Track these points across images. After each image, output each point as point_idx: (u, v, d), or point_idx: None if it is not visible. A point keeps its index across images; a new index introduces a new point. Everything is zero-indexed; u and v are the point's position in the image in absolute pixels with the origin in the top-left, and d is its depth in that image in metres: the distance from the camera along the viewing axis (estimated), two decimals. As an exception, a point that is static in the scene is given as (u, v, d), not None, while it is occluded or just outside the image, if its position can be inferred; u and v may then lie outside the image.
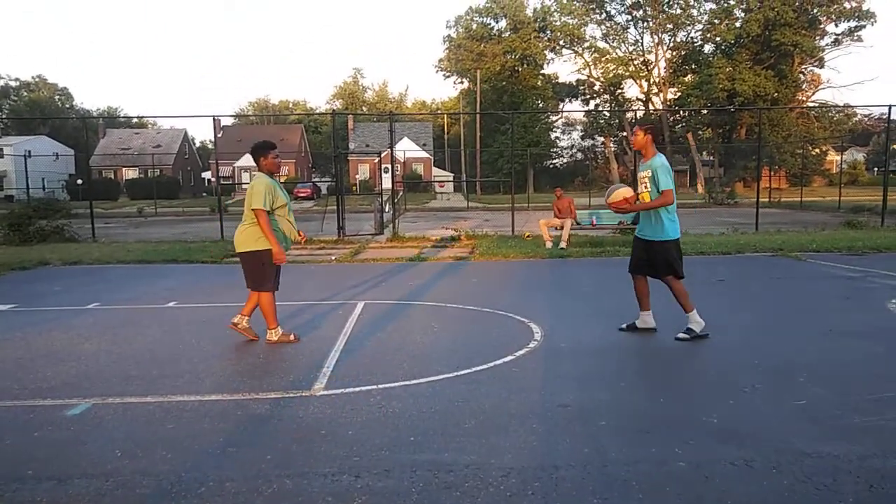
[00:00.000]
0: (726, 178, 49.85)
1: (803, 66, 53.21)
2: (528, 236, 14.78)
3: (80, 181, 46.64)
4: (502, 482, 3.01)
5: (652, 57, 56.52)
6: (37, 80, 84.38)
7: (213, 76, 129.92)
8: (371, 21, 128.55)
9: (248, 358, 5.31)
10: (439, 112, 75.01)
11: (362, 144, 57.15)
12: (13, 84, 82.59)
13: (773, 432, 3.58)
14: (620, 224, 13.80)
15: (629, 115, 55.17)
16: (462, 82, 64.80)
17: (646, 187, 5.65)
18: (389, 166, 17.39)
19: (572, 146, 71.29)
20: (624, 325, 6.01)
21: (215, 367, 5.06)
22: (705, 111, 52.57)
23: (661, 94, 56.84)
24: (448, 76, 64.78)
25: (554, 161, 69.00)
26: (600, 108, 60.59)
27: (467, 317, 6.83)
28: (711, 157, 59.35)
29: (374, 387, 4.44)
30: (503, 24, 59.47)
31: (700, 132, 58.05)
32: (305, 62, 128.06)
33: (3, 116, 75.10)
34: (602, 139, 62.84)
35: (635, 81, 57.87)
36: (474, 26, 59.62)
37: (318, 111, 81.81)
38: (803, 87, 55.01)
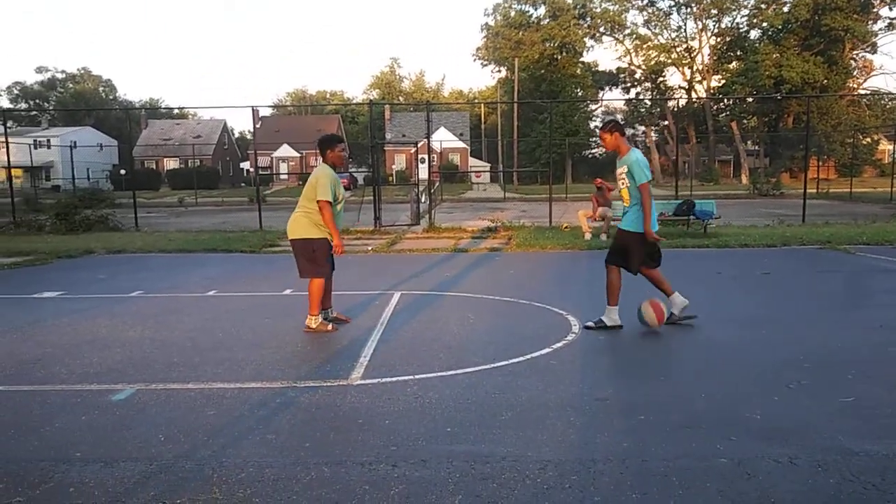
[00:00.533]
0: (772, 168, 48.60)
1: (854, 52, 51.41)
2: (566, 227, 14.64)
3: (123, 171, 47.88)
4: (539, 475, 2.99)
5: (695, 44, 55.33)
6: (82, 72, 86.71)
7: (252, 66, 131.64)
8: (409, 9, 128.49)
9: (286, 347, 5.38)
10: (476, 101, 74.74)
11: (399, 135, 57.31)
12: (60, 76, 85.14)
13: (819, 430, 3.47)
14: (661, 215, 13.57)
15: (671, 103, 54.18)
16: (500, 71, 64.39)
17: (623, 183, 5.70)
18: (426, 156, 17.39)
19: (612, 136, 70.31)
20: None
21: (254, 355, 5.14)
22: (750, 99, 51.25)
23: (705, 82, 55.60)
24: (486, 65, 64.42)
25: (593, 151, 68.21)
26: (641, 97, 59.57)
27: (504, 308, 6.80)
28: (756, 147, 57.92)
29: (411, 377, 4.45)
30: (542, 11, 58.79)
31: (745, 121, 56.63)
32: (342, 52, 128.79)
33: (51, 108, 77.38)
34: (643, 128, 61.81)
35: (678, 69, 56.70)
36: (513, 14, 59.05)
37: (355, 101, 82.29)
38: (854, 73, 53.12)
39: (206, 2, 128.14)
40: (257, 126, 19.26)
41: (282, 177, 52.52)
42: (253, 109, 17.48)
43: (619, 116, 66.14)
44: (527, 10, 59.32)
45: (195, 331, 5.96)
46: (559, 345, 5.23)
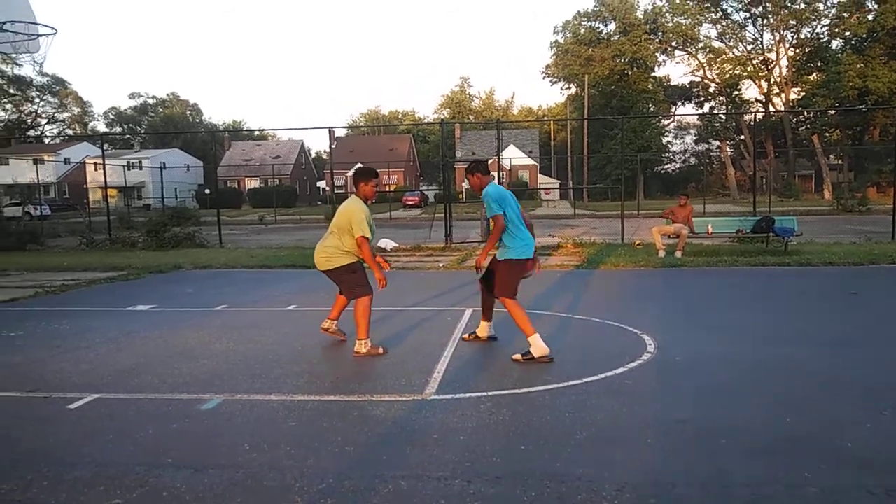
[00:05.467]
0: (857, 182, 46.19)
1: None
2: (638, 244, 14.36)
3: (207, 190, 50.09)
4: (616, 497, 2.96)
5: (772, 55, 53.39)
6: (171, 97, 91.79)
7: (329, 88, 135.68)
8: (479, 28, 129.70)
9: (362, 361, 5.50)
10: (546, 119, 74.42)
11: (469, 152, 57.69)
12: (151, 101, 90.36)
13: (917, 460, 3.29)
14: (739, 232, 13.14)
15: (748, 117, 52.36)
16: (569, 88, 64.01)
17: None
18: (496, 173, 17.46)
19: (685, 151, 68.67)
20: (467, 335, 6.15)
21: (332, 368, 5.29)
22: (833, 111, 48.93)
23: (783, 95, 53.50)
24: (555, 82, 64.20)
25: (665, 166, 66.70)
26: (716, 111, 57.87)
27: (576, 326, 6.74)
28: (839, 161, 55.20)
29: (484, 394, 4.48)
30: (612, 27, 58.27)
31: (827, 134, 54.13)
32: (414, 73, 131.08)
33: (142, 131, 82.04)
34: (718, 143, 59.97)
35: (754, 82, 54.82)
36: (582, 31, 58.78)
37: (426, 121, 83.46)
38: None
39: (286, 30, 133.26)
40: (333, 146, 19.86)
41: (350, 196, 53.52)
42: (329, 130, 18.08)
43: (691, 131, 64.53)
44: (597, 26, 58.93)
45: (276, 344, 6.19)
46: (634, 364, 5.14)
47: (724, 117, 56.05)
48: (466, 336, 6.13)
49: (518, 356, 5.32)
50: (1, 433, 4.00)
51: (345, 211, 5.63)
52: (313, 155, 77.99)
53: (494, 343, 6.00)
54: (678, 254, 12.20)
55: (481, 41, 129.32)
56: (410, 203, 46.87)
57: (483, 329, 6.05)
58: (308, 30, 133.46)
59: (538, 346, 5.28)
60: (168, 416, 4.21)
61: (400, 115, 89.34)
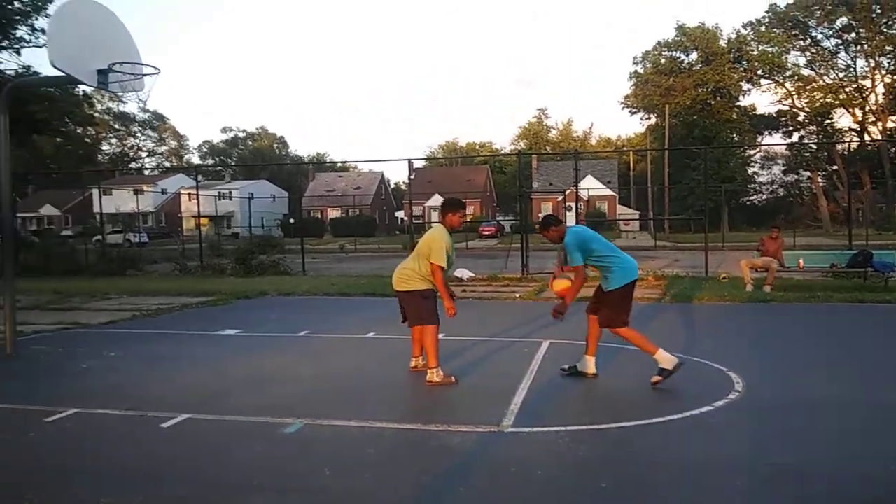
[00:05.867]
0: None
1: None
2: (724, 278, 13.84)
3: (292, 220, 51.94)
4: (703, 541, 2.84)
5: (867, 83, 50.92)
6: (260, 130, 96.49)
7: (408, 120, 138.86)
8: (555, 60, 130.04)
9: (439, 389, 5.53)
10: (625, 149, 73.34)
11: (546, 183, 57.48)
12: (241, 135, 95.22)
13: None
14: (833, 266, 12.46)
15: (841, 147, 49.97)
16: (649, 118, 63.02)
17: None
18: (573, 204, 17.31)
19: (772, 181, 65.95)
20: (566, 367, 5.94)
21: (409, 396, 5.34)
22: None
23: (880, 123, 50.76)
24: (634, 112, 63.37)
25: (752, 198, 64.19)
26: (806, 141, 55.51)
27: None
28: (946, 193, 51.56)
29: (563, 428, 4.41)
30: (694, 56, 57.14)
31: (930, 164, 50.84)
32: (492, 105, 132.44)
33: (233, 163, 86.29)
34: (808, 174, 57.34)
35: (847, 110, 52.38)
36: (663, 61, 57.90)
37: (503, 152, 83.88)
38: None
39: (368, 65, 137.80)
40: (412, 177, 20.22)
41: (433, 224, 54.31)
42: (409, 162, 18.41)
43: (779, 162, 61.90)
44: (678, 55, 57.91)
45: (356, 370, 6.31)
46: (721, 403, 4.94)
47: (815, 147, 53.67)
48: (565, 368, 5.92)
49: (656, 378, 5.30)
50: (103, 449, 4.25)
51: (428, 238, 5.76)
52: (392, 186, 79.66)
53: (573, 377, 5.90)
54: (767, 288, 11.67)
55: (560, 71, 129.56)
56: (487, 233, 46.95)
57: (586, 364, 5.81)
58: (388, 65, 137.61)
59: (666, 359, 5.31)
60: (253, 438, 4.35)
61: (477, 147, 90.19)
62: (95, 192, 37.34)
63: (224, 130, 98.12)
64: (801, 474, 3.58)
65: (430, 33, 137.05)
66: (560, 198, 47.22)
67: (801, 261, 12.59)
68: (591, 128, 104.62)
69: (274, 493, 3.46)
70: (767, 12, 53.25)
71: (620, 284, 5.48)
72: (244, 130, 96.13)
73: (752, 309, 10.23)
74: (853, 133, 52.72)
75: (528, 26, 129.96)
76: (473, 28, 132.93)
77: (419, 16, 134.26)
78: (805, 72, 53.36)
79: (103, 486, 3.57)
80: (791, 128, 57.18)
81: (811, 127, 55.57)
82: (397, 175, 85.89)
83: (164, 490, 3.52)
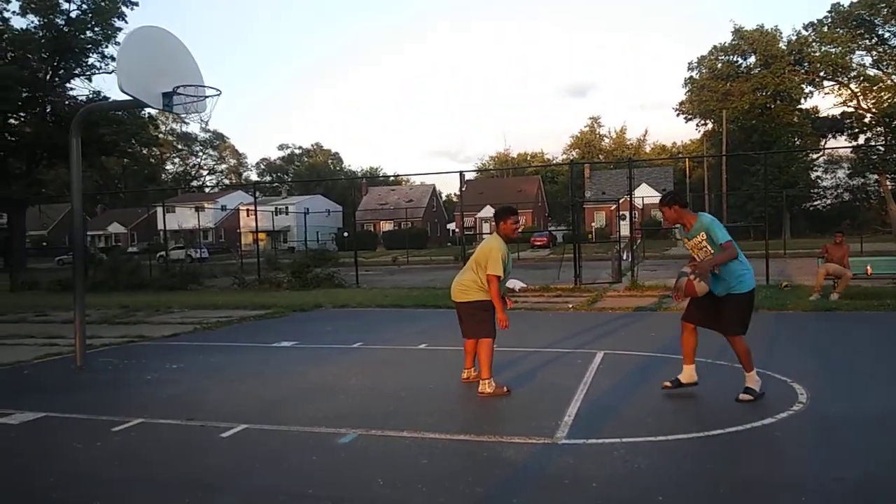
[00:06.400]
0: None
1: None
2: (785, 286, 13.37)
3: (346, 233, 52.78)
4: (766, 558, 2.74)
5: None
6: (314, 147, 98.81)
7: (460, 131, 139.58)
8: (610, 66, 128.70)
9: (491, 401, 5.51)
10: (680, 156, 71.82)
11: (598, 192, 56.76)
12: (297, 152, 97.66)
13: None
14: (903, 274, 11.89)
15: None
16: (705, 124, 61.53)
17: (707, 253, 5.22)
18: (627, 213, 17.05)
19: (837, 186, 63.38)
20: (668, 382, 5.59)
21: (462, 407, 5.34)
22: None
23: (954, 122, 48.30)
24: (689, 119, 62.03)
25: (815, 203, 61.79)
26: (873, 143, 53.16)
27: (718, 372, 6.35)
28: None
29: (618, 440, 4.32)
30: (752, 60, 55.57)
31: None
32: (543, 115, 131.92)
33: (289, 179, 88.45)
34: (876, 177, 54.89)
35: (918, 110, 49.95)
36: (719, 65, 56.52)
37: (555, 161, 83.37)
38: None
39: (420, 82, 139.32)
40: (463, 189, 20.30)
41: (484, 236, 54.57)
42: (460, 174, 18.47)
43: (844, 165, 59.49)
44: (735, 60, 56.45)
45: (409, 381, 6.35)
46: (784, 415, 4.76)
47: (882, 149, 51.37)
48: (667, 384, 5.56)
49: (745, 396, 5.14)
50: (165, 457, 4.39)
51: (484, 248, 5.76)
52: (444, 198, 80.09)
53: (628, 387, 5.79)
54: (835, 296, 11.21)
55: (613, 79, 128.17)
56: (539, 244, 46.59)
57: (687, 374, 5.56)
58: (440, 79, 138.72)
59: (756, 380, 5.20)
60: (308, 448, 4.42)
61: (528, 157, 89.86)
62: (159, 209, 38.86)
63: (281, 148, 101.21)
64: (870, 489, 3.41)
65: (480, 44, 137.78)
66: (614, 206, 46.52)
67: (868, 267, 12.09)
68: (645, 135, 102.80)
69: (328, 502, 3.50)
70: (830, 12, 51.43)
71: (747, 289, 5.22)
72: (300, 147, 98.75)
73: (817, 318, 9.83)
74: (924, 133, 50.33)
75: (580, 34, 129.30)
76: (526, 37, 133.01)
77: (467, 30, 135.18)
78: (871, 72, 51.27)
79: (164, 495, 3.69)
80: (857, 130, 54.93)
81: (878, 128, 53.25)
82: (448, 187, 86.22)
83: (223, 498, 3.61)
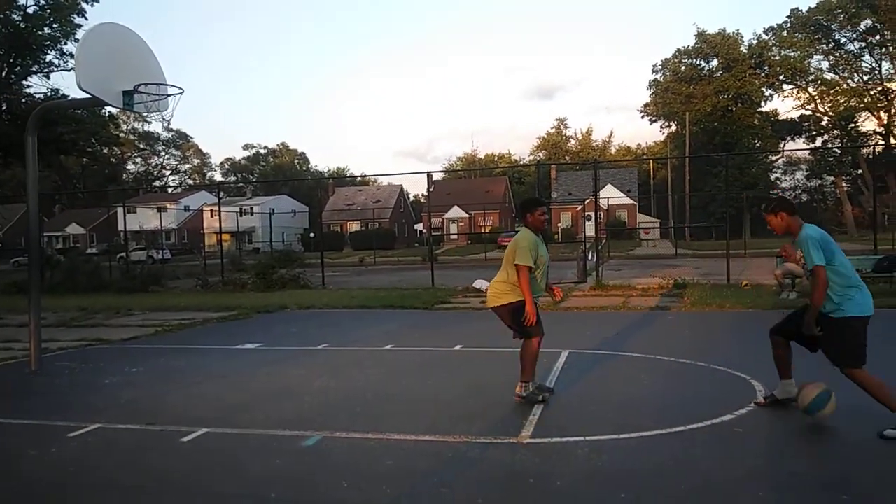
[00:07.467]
0: None
1: None
2: (745, 285, 13.66)
3: (312, 234, 52.33)
4: (724, 552, 2.79)
5: (893, 85, 50.14)
6: (280, 147, 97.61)
7: (426, 133, 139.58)
8: (576, 68, 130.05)
9: (457, 401, 5.51)
10: (645, 157, 72.95)
11: (565, 193, 57.26)
12: (262, 151, 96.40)
13: None
14: (858, 272, 12.22)
15: (865, 150, 49.17)
16: (669, 126, 62.64)
17: (805, 268, 4.83)
18: (592, 214, 17.23)
19: (796, 187, 65.10)
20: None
21: (428, 408, 5.33)
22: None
23: (906, 125, 49.98)
24: (654, 121, 63.07)
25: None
26: (830, 145, 54.73)
27: (679, 370, 6.47)
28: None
29: (582, 438, 4.36)
30: (714, 63, 56.82)
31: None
32: (511, 116, 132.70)
33: (254, 179, 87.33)
34: (832, 179, 56.51)
35: (872, 113, 51.61)
36: (683, 68, 57.64)
37: (522, 162, 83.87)
38: None
39: (386, 81, 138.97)
40: (431, 189, 20.29)
41: (452, 236, 54.63)
42: (428, 175, 18.50)
43: (802, 167, 61.17)
44: (698, 63, 57.61)
45: (374, 383, 6.31)
46: (743, 411, 4.86)
47: (838, 151, 52.92)
48: (762, 401, 5.10)
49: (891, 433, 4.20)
50: (123, 463, 4.28)
51: (513, 243, 5.52)
52: (411, 198, 79.95)
53: (592, 386, 5.84)
54: (793, 294, 11.51)
55: (579, 80, 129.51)
56: (506, 244, 46.77)
57: (784, 390, 5.05)
58: (406, 80, 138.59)
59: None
60: (272, 451, 4.36)
61: (496, 158, 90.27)
62: (120, 210, 38.00)
63: (246, 147, 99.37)
64: (824, 483, 3.51)
65: (447, 46, 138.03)
66: (580, 207, 47.02)
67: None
68: (610, 137, 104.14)
69: (291, 505, 3.46)
70: (789, 17, 52.92)
71: (855, 313, 4.49)
72: (265, 147, 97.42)
73: (776, 316, 10.04)
74: (878, 136, 51.90)
75: (547, 36, 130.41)
76: (493, 39, 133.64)
77: (435, 29, 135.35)
78: (828, 76, 52.81)
79: (123, 501, 3.60)
80: (814, 132, 56.52)
81: (835, 131, 54.85)
82: (416, 188, 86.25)
83: (187, 502, 3.54)
